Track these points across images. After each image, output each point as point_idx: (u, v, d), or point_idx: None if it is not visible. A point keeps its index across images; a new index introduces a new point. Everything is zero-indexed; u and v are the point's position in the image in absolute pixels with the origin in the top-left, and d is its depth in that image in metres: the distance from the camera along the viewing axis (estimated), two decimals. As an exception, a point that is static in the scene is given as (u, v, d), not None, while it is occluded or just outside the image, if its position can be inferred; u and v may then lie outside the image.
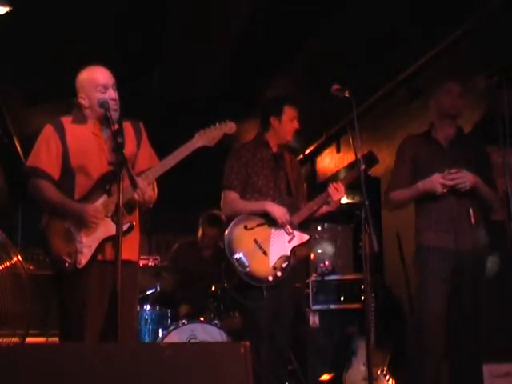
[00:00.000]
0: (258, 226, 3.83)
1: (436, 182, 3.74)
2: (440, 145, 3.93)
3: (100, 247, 3.21)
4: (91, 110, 3.33)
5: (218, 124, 3.41)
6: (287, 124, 3.98)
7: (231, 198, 3.91)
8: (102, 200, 3.23)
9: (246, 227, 3.81)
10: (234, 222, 3.82)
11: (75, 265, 3.17)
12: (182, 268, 5.37)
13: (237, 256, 3.73)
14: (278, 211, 3.81)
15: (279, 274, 3.77)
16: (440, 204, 3.81)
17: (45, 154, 3.30)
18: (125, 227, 3.16)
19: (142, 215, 3.45)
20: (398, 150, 4.09)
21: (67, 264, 3.17)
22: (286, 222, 3.83)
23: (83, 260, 3.18)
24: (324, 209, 3.96)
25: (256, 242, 3.79)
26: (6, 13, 4.63)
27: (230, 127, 3.44)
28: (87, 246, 3.19)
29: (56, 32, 5.06)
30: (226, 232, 3.80)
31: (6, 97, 6.18)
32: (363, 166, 3.55)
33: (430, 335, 3.72)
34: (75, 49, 5.07)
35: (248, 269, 3.72)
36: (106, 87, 3.27)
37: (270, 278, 3.74)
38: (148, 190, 3.23)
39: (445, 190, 3.73)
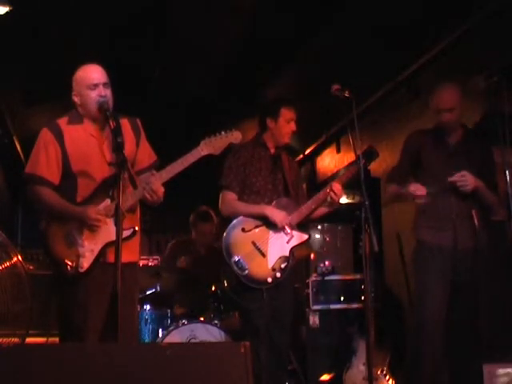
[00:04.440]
0: (256, 227, 3.82)
1: (414, 190, 3.77)
2: (446, 144, 3.91)
3: (102, 251, 3.20)
4: (83, 108, 3.31)
5: (223, 132, 3.37)
6: (283, 126, 3.95)
7: (229, 199, 3.90)
8: (104, 204, 3.22)
9: (243, 229, 3.80)
10: (231, 224, 3.81)
11: (77, 268, 3.15)
12: (178, 267, 5.37)
13: (235, 259, 3.73)
14: (278, 216, 3.80)
15: (278, 274, 3.77)
16: (441, 203, 3.81)
17: (44, 160, 3.27)
18: (128, 233, 3.17)
19: (142, 215, 3.45)
20: (404, 142, 4.09)
21: (69, 268, 3.16)
22: (285, 226, 3.82)
23: (85, 264, 3.17)
24: (322, 210, 3.95)
25: (254, 244, 3.78)
26: (6, 13, 4.63)
27: (235, 137, 3.40)
28: (89, 249, 3.18)
29: (56, 32, 5.05)
30: (224, 235, 3.79)
31: (6, 97, 6.18)
32: (363, 161, 3.53)
33: (428, 334, 3.72)
34: (75, 49, 5.07)
35: (247, 271, 3.72)
36: (96, 85, 3.24)
37: (270, 280, 3.74)
38: (160, 191, 3.23)
39: (422, 201, 3.76)
